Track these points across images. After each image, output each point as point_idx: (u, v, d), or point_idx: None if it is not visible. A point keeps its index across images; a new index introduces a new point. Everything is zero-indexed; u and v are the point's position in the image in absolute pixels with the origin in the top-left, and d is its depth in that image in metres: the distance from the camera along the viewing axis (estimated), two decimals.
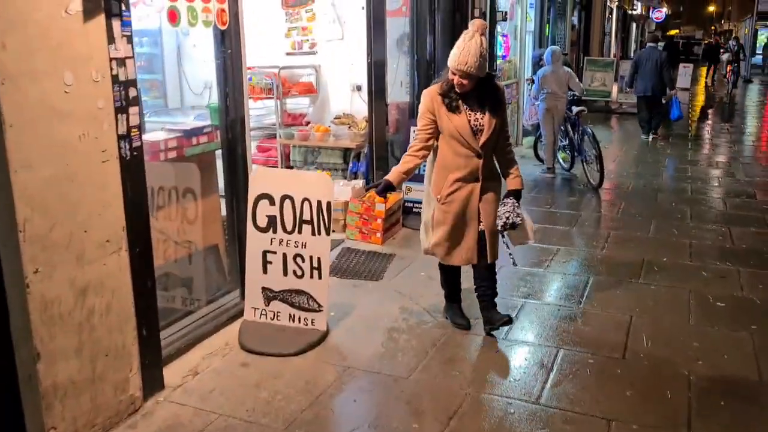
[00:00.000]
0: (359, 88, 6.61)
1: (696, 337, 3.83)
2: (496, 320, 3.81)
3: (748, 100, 18.99)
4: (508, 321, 3.82)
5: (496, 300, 3.87)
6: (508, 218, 3.65)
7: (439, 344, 3.76)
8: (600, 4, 19.41)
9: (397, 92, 6.63)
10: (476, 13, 7.79)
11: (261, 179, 3.86)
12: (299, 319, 3.84)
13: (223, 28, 3.68)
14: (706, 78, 24.09)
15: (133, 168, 2.94)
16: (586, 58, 15.78)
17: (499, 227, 3.68)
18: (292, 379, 3.37)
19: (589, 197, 7.28)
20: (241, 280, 3.98)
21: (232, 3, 3.69)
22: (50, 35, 2.48)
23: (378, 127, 6.13)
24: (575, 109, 8.00)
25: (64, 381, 2.65)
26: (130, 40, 2.88)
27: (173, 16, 3.35)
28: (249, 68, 6.56)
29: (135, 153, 2.94)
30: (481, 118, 3.58)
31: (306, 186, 3.80)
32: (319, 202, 3.75)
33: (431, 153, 3.73)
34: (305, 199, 3.76)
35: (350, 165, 6.41)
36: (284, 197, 3.79)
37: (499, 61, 9.37)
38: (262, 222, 3.83)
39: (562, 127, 8.18)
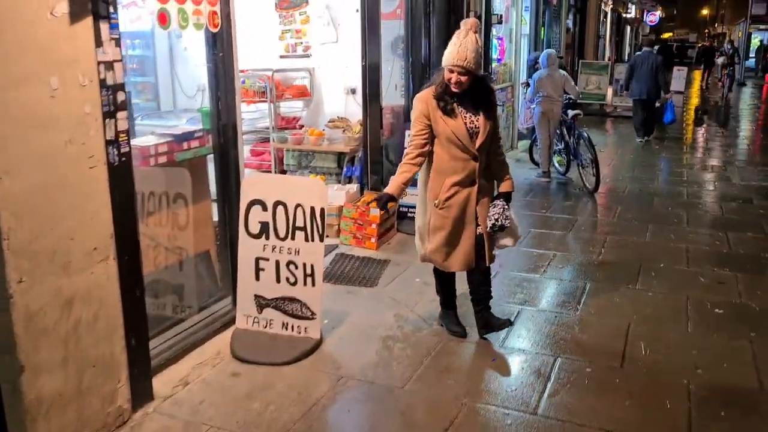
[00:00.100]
0: (353, 92, 6.56)
1: (695, 344, 3.78)
2: (496, 325, 3.81)
3: (742, 103, 19.03)
4: (508, 324, 3.83)
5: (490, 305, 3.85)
6: (497, 220, 3.63)
7: (435, 352, 3.69)
8: (594, 8, 19.44)
9: (392, 95, 6.56)
10: (471, 15, 7.75)
11: (253, 185, 3.80)
12: (292, 327, 3.77)
13: (215, 30, 3.62)
14: (701, 81, 24.12)
15: (121, 174, 2.87)
16: (581, 61, 15.78)
17: (488, 228, 3.66)
18: (284, 389, 3.30)
19: (585, 201, 7.24)
20: (234, 287, 3.91)
21: (223, 5, 3.62)
22: (35, 38, 2.41)
23: (372, 131, 6.07)
24: (571, 112, 7.96)
25: (50, 394, 2.58)
26: (118, 43, 2.81)
27: (163, 19, 3.28)
28: (242, 71, 6.52)
29: (123, 159, 2.88)
30: (477, 121, 3.54)
31: (299, 192, 3.73)
32: (312, 208, 3.69)
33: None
34: (298, 205, 3.70)
35: (344, 169, 6.34)
36: (277, 203, 3.73)
37: (494, 65, 9.33)
38: (255, 228, 3.77)
39: (557, 131, 8.14)
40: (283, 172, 6.64)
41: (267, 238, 3.76)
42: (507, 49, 10.31)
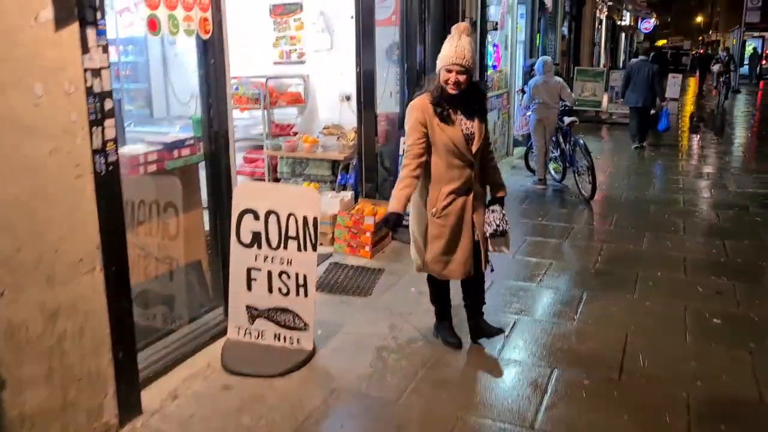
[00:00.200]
0: (348, 98, 6.51)
1: (693, 356, 3.72)
2: (489, 332, 3.81)
3: (737, 111, 19.05)
4: (501, 332, 3.84)
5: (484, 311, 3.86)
6: (498, 225, 3.61)
7: (430, 364, 3.63)
8: (589, 15, 19.48)
9: (387, 102, 6.52)
10: (467, 22, 7.72)
11: (245, 193, 3.74)
12: (285, 338, 3.71)
13: (206, 37, 3.56)
14: (701, 87, 24.16)
15: (108, 183, 2.80)
16: (576, 68, 15.78)
17: (488, 234, 3.62)
18: (276, 402, 3.23)
19: (581, 209, 7.19)
20: (225, 297, 3.84)
21: (215, 11, 3.57)
22: (18, 45, 2.34)
23: (367, 138, 6.02)
24: (567, 119, 7.92)
25: (33, 410, 2.50)
26: (106, 49, 2.75)
27: (153, 25, 3.22)
28: (236, 78, 6.48)
29: (111, 167, 2.81)
30: (472, 126, 3.51)
31: (292, 200, 3.67)
32: (305, 218, 3.62)
33: None
34: (291, 214, 3.64)
35: (339, 177, 6.28)
36: (269, 212, 3.66)
37: (489, 71, 9.29)
38: (247, 238, 3.70)
39: (553, 138, 8.11)
40: (277, 179, 6.58)
41: (259, 247, 3.69)
42: (502, 56, 10.29)
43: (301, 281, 3.66)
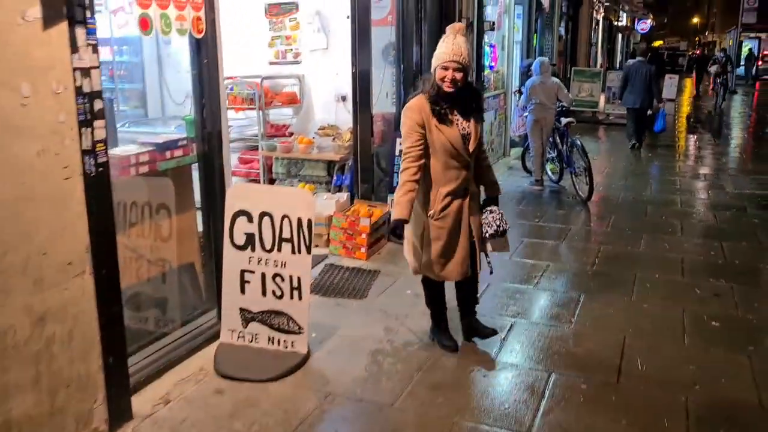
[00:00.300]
0: (344, 99, 6.46)
1: (692, 359, 3.68)
2: (483, 332, 3.82)
3: (734, 111, 19.06)
4: (495, 333, 3.83)
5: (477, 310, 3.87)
6: (499, 226, 3.61)
7: (425, 368, 3.58)
8: (586, 16, 19.48)
9: (383, 103, 6.47)
10: (463, 22, 7.68)
11: (238, 195, 3.68)
12: (279, 341, 3.66)
13: (199, 36, 3.51)
14: (698, 88, 24.16)
15: (98, 185, 2.75)
16: (573, 68, 15.76)
17: (488, 235, 3.61)
18: (269, 407, 3.18)
19: (578, 210, 7.16)
20: (219, 300, 3.79)
21: (208, 10, 3.52)
22: (4, 43, 2.30)
23: (363, 139, 5.97)
24: (564, 120, 7.89)
25: (19, 416, 2.45)
26: (95, 49, 2.70)
27: (145, 24, 3.18)
28: (231, 78, 6.44)
29: (101, 169, 2.76)
30: (468, 126, 3.48)
31: (286, 202, 3.62)
32: (299, 220, 3.58)
33: None
34: (285, 216, 3.59)
35: (334, 178, 6.24)
36: (263, 214, 3.62)
37: (486, 71, 9.26)
38: (240, 240, 3.65)
39: (550, 139, 8.07)
40: (272, 180, 6.53)
41: (253, 250, 3.64)
42: (499, 56, 10.25)
43: (295, 284, 3.61)
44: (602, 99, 14.76)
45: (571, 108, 8.92)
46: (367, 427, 3.11)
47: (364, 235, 5.29)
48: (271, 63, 6.92)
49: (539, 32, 13.14)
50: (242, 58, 6.70)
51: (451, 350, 3.75)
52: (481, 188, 3.74)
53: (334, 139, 6.24)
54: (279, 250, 3.61)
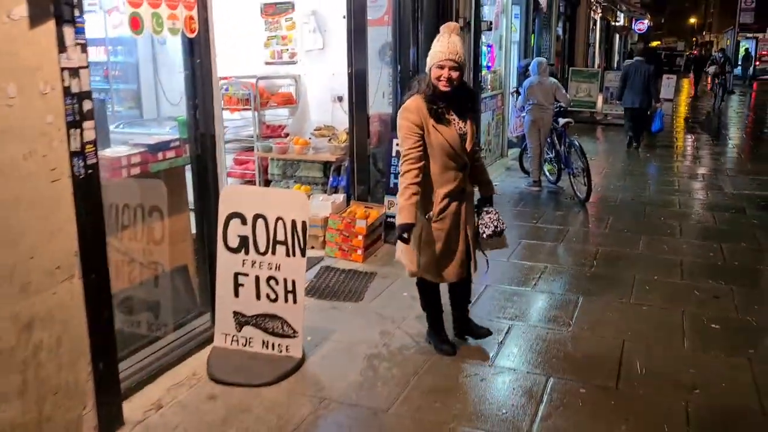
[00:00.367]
0: (340, 99, 6.41)
1: (692, 363, 3.64)
2: (477, 333, 3.84)
3: (731, 111, 19.03)
4: (489, 333, 3.85)
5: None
6: (496, 226, 3.60)
7: (422, 372, 3.53)
8: (584, 16, 19.43)
9: (380, 103, 6.42)
10: (461, 22, 7.63)
11: (232, 197, 3.63)
12: (273, 345, 3.60)
13: (192, 36, 3.46)
14: (696, 88, 24.14)
15: (87, 187, 2.69)
16: (570, 68, 15.72)
17: (485, 236, 3.60)
18: (262, 413, 3.13)
19: (577, 211, 7.11)
20: (212, 303, 3.74)
21: (201, 9, 3.46)
22: None
23: (359, 140, 5.91)
24: (562, 120, 7.85)
25: (5, 425, 2.39)
26: (84, 48, 2.65)
27: (136, 23, 3.12)
28: (226, 78, 6.38)
29: (90, 171, 2.70)
30: (464, 126, 3.45)
31: (280, 204, 3.57)
32: (293, 222, 3.52)
33: None
34: (279, 218, 3.53)
35: (330, 179, 6.18)
36: (257, 216, 3.56)
37: (483, 72, 9.21)
38: (234, 242, 3.60)
39: (548, 139, 8.02)
40: (268, 181, 6.47)
41: (246, 252, 3.59)
42: (497, 56, 10.21)
43: (289, 287, 3.56)
44: (600, 99, 14.72)
45: (569, 108, 8.87)
46: None
47: (360, 237, 5.24)
48: (267, 63, 6.87)
49: (537, 32, 13.10)
50: (238, 58, 6.65)
51: (447, 354, 3.70)
52: (475, 188, 3.71)
53: (330, 139, 6.18)
54: (273, 252, 3.56)
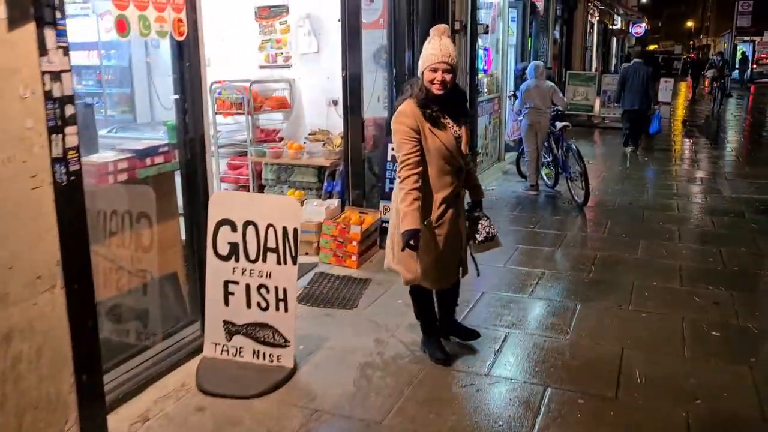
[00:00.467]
0: (335, 103, 6.33)
1: (692, 371, 3.56)
2: (464, 334, 3.85)
3: (729, 114, 19.00)
4: (477, 335, 3.86)
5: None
6: (488, 232, 3.61)
7: (416, 382, 3.45)
8: (581, 19, 19.40)
9: (375, 107, 6.35)
10: (457, 25, 7.57)
11: (221, 203, 3.55)
12: (264, 355, 3.52)
13: (181, 39, 3.38)
14: (694, 92, 24.10)
15: (70, 194, 2.61)
16: (568, 72, 15.68)
17: (479, 241, 3.61)
18: (252, 425, 3.05)
19: (574, 216, 7.04)
20: (203, 312, 3.65)
21: (190, 12, 3.39)
22: None
23: (354, 144, 5.84)
24: (559, 124, 7.78)
25: None
26: (66, 51, 2.56)
27: (122, 26, 3.05)
28: (219, 82, 6.31)
29: (72, 177, 2.62)
30: (459, 129, 3.40)
31: (271, 211, 3.49)
32: (284, 229, 3.44)
33: None
34: (270, 225, 3.46)
35: (325, 184, 6.10)
36: (247, 223, 3.49)
37: (480, 75, 9.14)
38: (224, 250, 3.52)
39: (545, 143, 7.96)
40: (262, 186, 6.39)
41: (237, 260, 3.51)
42: (494, 60, 10.15)
43: (281, 295, 3.48)
44: (597, 103, 14.68)
45: (566, 112, 8.80)
46: None
47: (354, 243, 5.16)
48: (261, 67, 6.79)
49: (534, 36, 13.06)
50: (231, 61, 6.58)
51: (443, 363, 3.63)
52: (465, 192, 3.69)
53: (324, 144, 6.11)
54: (264, 260, 3.48)
